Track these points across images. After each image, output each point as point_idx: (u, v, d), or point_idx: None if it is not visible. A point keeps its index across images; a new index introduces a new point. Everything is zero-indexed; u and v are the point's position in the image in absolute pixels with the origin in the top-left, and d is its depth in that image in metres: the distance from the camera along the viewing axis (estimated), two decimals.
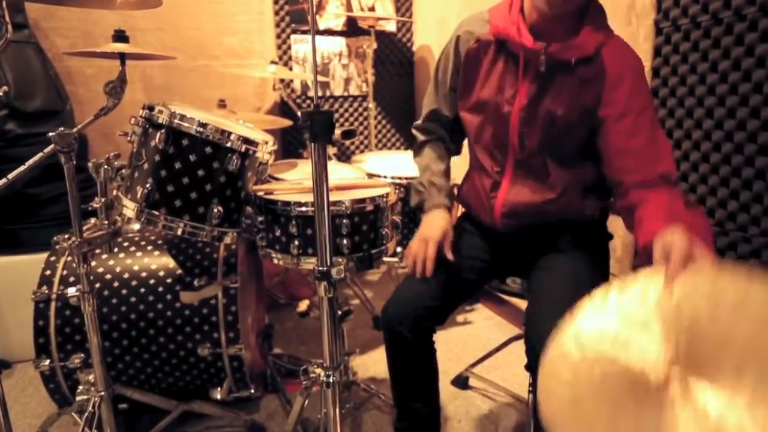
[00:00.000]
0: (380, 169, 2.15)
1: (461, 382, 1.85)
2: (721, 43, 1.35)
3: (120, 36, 1.28)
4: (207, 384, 1.54)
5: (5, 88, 1.92)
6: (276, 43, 2.86)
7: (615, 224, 1.26)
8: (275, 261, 1.29)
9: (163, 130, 1.20)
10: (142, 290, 1.47)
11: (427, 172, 1.34)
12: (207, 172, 1.24)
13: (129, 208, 1.24)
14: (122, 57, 1.26)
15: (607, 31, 1.14)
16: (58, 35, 2.35)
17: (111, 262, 1.50)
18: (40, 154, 1.17)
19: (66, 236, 1.21)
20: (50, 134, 1.11)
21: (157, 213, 1.23)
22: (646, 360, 0.73)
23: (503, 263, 1.34)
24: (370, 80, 2.82)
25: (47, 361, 1.42)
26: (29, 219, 2.02)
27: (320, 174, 0.87)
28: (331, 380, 0.98)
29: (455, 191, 1.43)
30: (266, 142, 1.32)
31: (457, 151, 1.42)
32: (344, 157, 3.03)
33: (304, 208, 1.22)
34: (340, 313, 1.30)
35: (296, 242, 1.23)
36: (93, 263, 1.38)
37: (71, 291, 1.26)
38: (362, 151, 3.06)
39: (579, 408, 0.75)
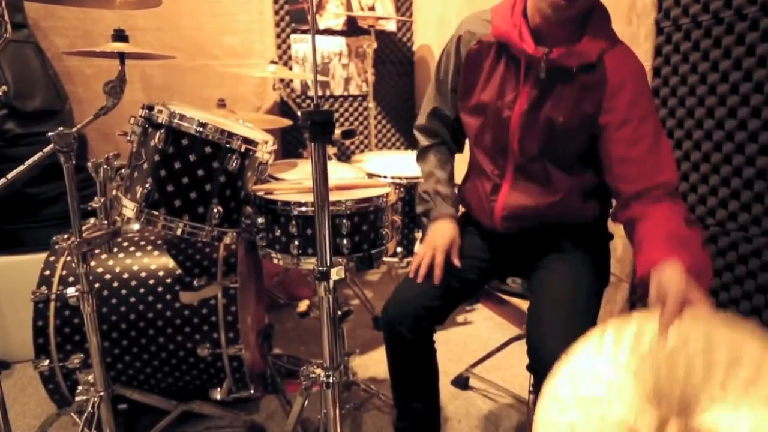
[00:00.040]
0: (380, 169, 2.14)
1: (461, 383, 1.85)
2: (722, 42, 1.35)
3: (119, 35, 1.27)
4: (207, 384, 1.54)
5: (4, 87, 1.92)
6: (276, 43, 2.85)
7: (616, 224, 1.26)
8: (275, 261, 1.28)
9: (162, 130, 1.20)
10: (142, 290, 1.47)
11: (431, 180, 1.34)
12: (207, 171, 1.24)
13: (128, 208, 1.24)
14: (122, 56, 1.26)
15: (611, 37, 1.13)
16: (58, 35, 2.34)
17: (110, 262, 1.50)
18: (39, 154, 1.17)
19: (65, 236, 1.21)
20: (49, 134, 1.10)
21: (156, 213, 1.22)
22: (638, 413, 0.73)
23: (504, 263, 1.34)
24: (370, 80, 2.82)
25: (46, 362, 1.42)
26: (28, 219, 2.02)
27: (320, 174, 0.87)
28: (331, 381, 0.98)
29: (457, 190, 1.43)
30: (266, 142, 1.32)
31: (460, 150, 1.42)
32: (344, 156, 3.03)
33: (304, 208, 1.22)
34: (340, 313, 1.31)
35: (296, 242, 1.23)
36: (92, 263, 1.38)
37: (70, 291, 1.25)
38: (362, 151, 3.06)
39: None
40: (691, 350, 0.73)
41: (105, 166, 1.27)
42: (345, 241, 1.22)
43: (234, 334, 1.47)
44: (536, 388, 1.25)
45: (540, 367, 1.05)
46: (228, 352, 1.47)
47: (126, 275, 1.48)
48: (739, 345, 0.71)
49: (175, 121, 1.20)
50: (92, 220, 1.41)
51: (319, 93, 3.04)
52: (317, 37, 2.83)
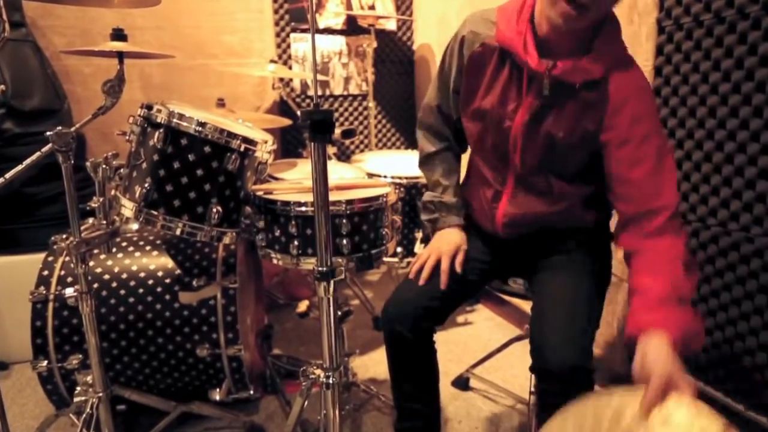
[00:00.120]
0: (380, 168, 2.14)
1: (462, 383, 1.85)
2: (723, 41, 1.34)
3: (118, 34, 1.27)
4: (206, 385, 1.53)
5: (2, 87, 1.92)
6: (275, 42, 2.84)
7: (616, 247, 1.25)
8: (274, 261, 1.28)
9: (161, 130, 1.19)
10: (141, 291, 1.46)
11: (437, 189, 1.33)
12: (206, 171, 1.23)
13: (127, 208, 1.24)
14: (120, 56, 1.25)
15: (619, 52, 1.09)
16: (56, 33, 2.34)
17: (109, 263, 1.50)
18: (37, 154, 1.16)
19: (64, 236, 1.21)
20: (48, 133, 1.10)
21: (155, 213, 1.22)
22: None
23: (505, 264, 1.34)
24: (370, 79, 2.81)
25: (45, 362, 1.41)
26: (27, 219, 2.01)
27: (320, 174, 0.87)
28: (330, 381, 0.98)
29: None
30: (265, 142, 1.31)
31: (464, 150, 1.39)
32: (344, 156, 3.02)
33: (303, 208, 1.21)
34: (339, 313, 1.31)
35: (296, 242, 1.22)
36: (91, 263, 1.37)
37: (69, 291, 1.24)
38: (362, 151, 3.05)
39: None
40: None
41: (104, 166, 1.26)
42: (345, 241, 1.22)
43: (233, 335, 1.47)
44: (537, 389, 1.24)
45: (543, 368, 1.05)
46: (227, 352, 1.47)
47: (125, 275, 1.48)
48: None
49: (174, 120, 1.20)
50: (91, 220, 1.40)
51: (319, 92, 3.04)
52: (317, 36, 2.83)
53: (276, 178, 1.81)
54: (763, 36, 1.26)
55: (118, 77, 1.22)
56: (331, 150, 2.55)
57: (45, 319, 1.41)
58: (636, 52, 1.14)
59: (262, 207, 1.28)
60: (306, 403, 1.29)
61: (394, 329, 1.21)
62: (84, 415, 1.24)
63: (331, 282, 0.92)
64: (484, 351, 1.86)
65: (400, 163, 2.26)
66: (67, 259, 1.47)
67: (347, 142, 3.05)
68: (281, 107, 2.88)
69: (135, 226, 1.65)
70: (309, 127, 0.83)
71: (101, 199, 1.29)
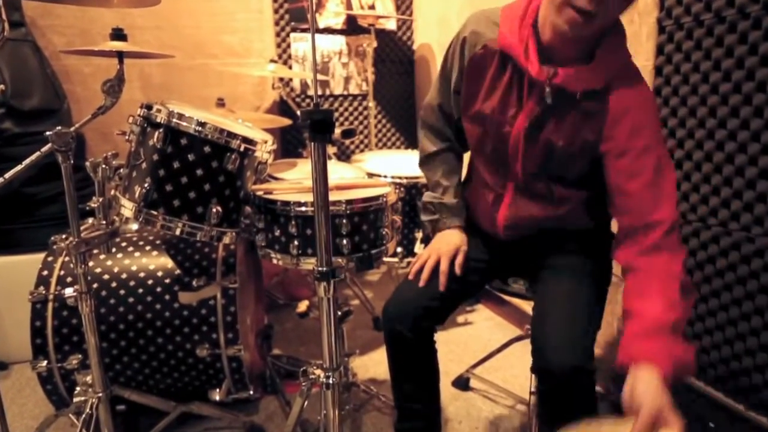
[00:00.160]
0: (380, 168, 2.14)
1: (462, 384, 1.84)
2: (724, 41, 1.34)
3: (118, 34, 1.26)
4: (206, 385, 1.53)
5: (2, 86, 1.92)
6: (275, 42, 2.84)
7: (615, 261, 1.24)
8: (274, 261, 1.28)
9: (161, 130, 1.19)
10: (140, 291, 1.46)
11: (438, 190, 1.33)
12: (206, 171, 1.23)
13: (127, 208, 1.24)
14: (120, 55, 1.25)
15: (621, 61, 1.07)
16: (56, 33, 2.33)
17: (109, 263, 1.49)
18: (37, 153, 1.16)
19: (63, 236, 1.20)
20: (47, 133, 1.09)
21: (155, 213, 1.22)
22: None
23: (505, 264, 1.34)
24: (370, 79, 2.81)
25: (44, 362, 1.41)
26: (26, 219, 2.01)
27: (320, 174, 0.86)
28: (330, 381, 0.97)
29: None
30: (265, 142, 1.31)
31: (466, 150, 1.38)
32: (344, 156, 3.02)
33: (303, 208, 1.21)
34: (339, 313, 1.30)
35: (296, 242, 1.22)
36: (90, 263, 1.37)
37: (68, 291, 1.24)
38: (362, 151, 3.05)
39: None
40: None
41: (103, 166, 1.26)
42: (345, 241, 1.22)
43: (233, 335, 1.46)
44: (538, 389, 1.24)
45: (544, 369, 1.05)
46: (227, 352, 1.47)
47: (124, 275, 1.47)
48: None
49: (174, 120, 1.20)
50: (90, 220, 1.40)
51: (319, 92, 3.03)
52: (317, 35, 2.83)
53: (276, 178, 1.81)
54: (764, 36, 1.25)
55: (118, 77, 1.22)
56: (331, 150, 2.55)
57: (44, 319, 1.41)
58: (636, 52, 1.13)
59: (261, 207, 1.27)
60: (306, 403, 1.29)
61: (394, 328, 1.21)
62: (84, 416, 1.24)
63: (331, 282, 0.92)
64: (485, 351, 1.86)
65: (400, 163, 2.25)
66: (67, 259, 1.47)
67: (347, 142, 3.05)
68: (281, 107, 2.88)
69: (135, 226, 1.65)
70: (309, 126, 0.83)
71: (101, 199, 1.28)
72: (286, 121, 2.44)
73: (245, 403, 1.69)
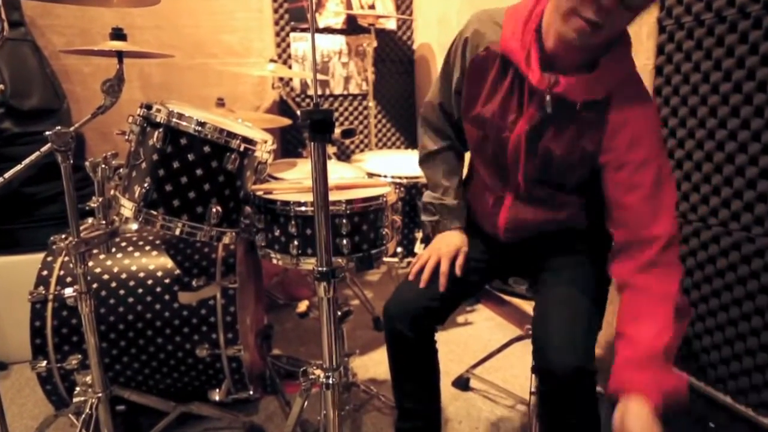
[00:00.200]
0: (380, 168, 2.13)
1: (462, 384, 1.84)
2: (724, 41, 1.34)
3: (117, 34, 1.26)
4: (205, 385, 1.53)
5: (1, 86, 1.91)
6: (275, 41, 2.84)
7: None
8: (274, 261, 1.28)
9: (161, 129, 1.19)
10: (140, 291, 1.46)
11: (438, 190, 1.32)
12: (205, 171, 1.23)
13: (127, 208, 1.23)
14: (120, 55, 1.25)
15: (624, 71, 1.06)
16: (55, 33, 2.33)
17: (108, 263, 1.49)
18: (36, 153, 1.16)
19: (63, 236, 1.20)
20: (47, 133, 1.09)
21: (155, 213, 1.21)
22: None
23: (505, 264, 1.34)
24: (370, 79, 2.81)
25: (44, 363, 1.41)
26: (26, 218, 2.01)
27: (320, 173, 0.86)
28: (330, 381, 0.97)
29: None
30: (265, 141, 1.31)
31: (467, 148, 1.37)
32: (344, 156, 3.02)
33: (303, 208, 1.21)
34: (339, 313, 1.30)
35: (295, 242, 1.22)
36: (90, 263, 1.37)
37: (68, 291, 1.24)
38: (362, 151, 3.05)
39: None
40: None
41: (103, 166, 1.26)
42: (345, 241, 1.22)
43: (233, 335, 1.46)
44: (538, 389, 1.24)
45: (546, 369, 1.05)
46: (227, 352, 1.46)
47: (124, 275, 1.47)
48: None
49: (174, 120, 1.20)
50: (90, 220, 1.39)
51: (319, 92, 3.03)
52: (317, 35, 2.83)
53: (276, 178, 1.81)
54: (764, 35, 1.25)
55: (118, 77, 1.22)
56: (331, 150, 2.55)
57: (44, 319, 1.41)
58: (637, 51, 1.12)
59: (261, 207, 1.27)
60: (306, 403, 1.29)
61: (394, 328, 1.21)
62: (83, 416, 1.24)
63: (331, 282, 0.92)
64: (485, 351, 1.86)
65: (400, 163, 2.25)
66: (66, 259, 1.47)
67: (347, 141, 3.05)
68: (281, 107, 2.88)
69: (134, 226, 1.65)
70: (309, 126, 0.83)
71: (100, 199, 1.28)
72: (286, 121, 2.43)
73: (245, 403, 1.69)
